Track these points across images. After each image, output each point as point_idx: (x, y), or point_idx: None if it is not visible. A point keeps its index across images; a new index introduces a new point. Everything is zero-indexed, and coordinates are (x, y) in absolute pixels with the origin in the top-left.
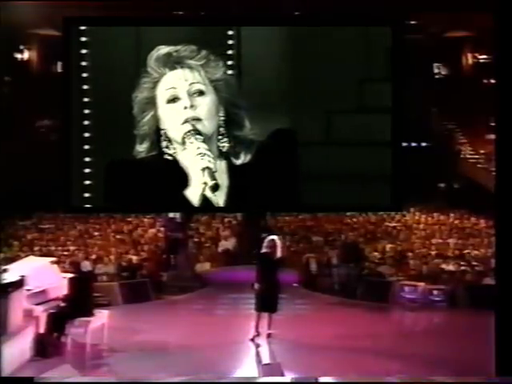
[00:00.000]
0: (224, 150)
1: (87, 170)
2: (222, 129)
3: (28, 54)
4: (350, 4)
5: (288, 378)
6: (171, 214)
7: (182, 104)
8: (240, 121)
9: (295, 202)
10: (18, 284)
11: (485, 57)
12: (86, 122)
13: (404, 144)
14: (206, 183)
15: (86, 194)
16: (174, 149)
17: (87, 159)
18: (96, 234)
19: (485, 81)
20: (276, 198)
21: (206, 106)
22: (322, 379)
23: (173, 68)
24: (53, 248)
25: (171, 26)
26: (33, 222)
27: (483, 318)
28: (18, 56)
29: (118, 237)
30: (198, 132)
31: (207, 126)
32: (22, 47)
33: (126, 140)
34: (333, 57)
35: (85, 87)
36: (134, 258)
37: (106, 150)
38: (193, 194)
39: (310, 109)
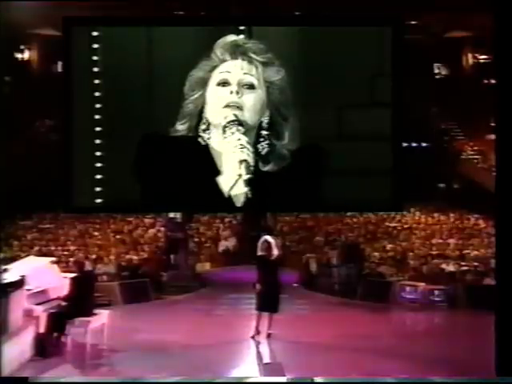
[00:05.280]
0: (263, 152)
1: (98, 165)
2: (263, 132)
3: (28, 53)
4: (351, 4)
5: (285, 377)
6: (171, 214)
7: (229, 89)
8: (280, 131)
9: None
10: (18, 284)
11: (485, 57)
12: (98, 117)
13: (404, 144)
14: (240, 175)
15: (98, 189)
16: (209, 133)
17: (98, 153)
18: (96, 233)
19: (485, 81)
20: (295, 198)
21: (252, 99)
22: (317, 379)
23: (234, 57)
24: (53, 248)
25: (170, 26)
26: (33, 222)
27: (483, 318)
28: (19, 56)
29: (117, 237)
30: (239, 123)
31: (248, 118)
32: (22, 47)
33: (138, 134)
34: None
35: (96, 81)
36: (134, 258)
37: (117, 144)
38: (225, 183)
39: (321, 105)
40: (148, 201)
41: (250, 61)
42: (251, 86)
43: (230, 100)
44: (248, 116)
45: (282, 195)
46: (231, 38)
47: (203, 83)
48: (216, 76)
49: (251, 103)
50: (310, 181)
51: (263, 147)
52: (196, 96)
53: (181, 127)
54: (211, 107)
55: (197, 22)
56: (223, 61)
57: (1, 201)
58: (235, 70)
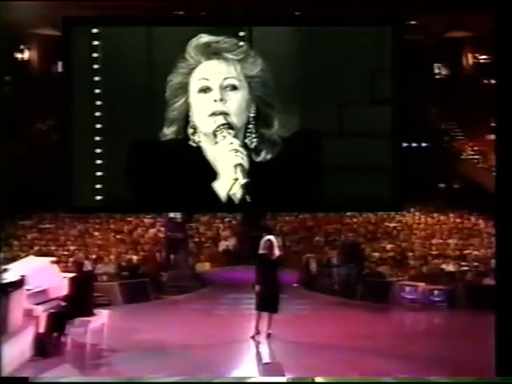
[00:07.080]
0: (252, 146)
1: (98, 162)
2: (250, 126)
3: (28, 53)
4: (351, 4)
5: (285, 377)
6: (171, 214)
7: (212, 96)
8: (269, 120)
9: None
10: (18, 284)
11: (485, 57)
12: (98, 114)
13: (404, 144)
14: (236, 179)
15: (98, 186)
16: (199, 137)
17: (98, 150)
18: (96, 233)
19: (485, 81)
20: (293, 197)
21: (236, 101)
22: (317, 379)
23: (209, 58)
24: (53, 248)
25: (170, 27)
26: (33, 222)
27: (483, 318)
28: (19, 56)
29: (117, 237)
30: (230, 126)
31: (236, 121)
32: (22, 47)
33: (138, 130)
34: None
35: (96, 79)
36: (134, 258)
37: (117, 141)
38: (221, 188)
39: (322, 102)
40: (146, 203)
41: (227, 60)
42: (234, 88)
43: (216, 109)
44: (236, 119)
45: (278, 191)
46: (203, 38)
47: (184, 88)
48: (196, 82)
49: (236, 106)
50: (306, 169)
51: (252, 142)
52: (179, 103)
53: (168, 131)
54: (197, 115)
55: (197, 21)
56: (199, 62)
57: (1, 201)
58: (214, 75)
